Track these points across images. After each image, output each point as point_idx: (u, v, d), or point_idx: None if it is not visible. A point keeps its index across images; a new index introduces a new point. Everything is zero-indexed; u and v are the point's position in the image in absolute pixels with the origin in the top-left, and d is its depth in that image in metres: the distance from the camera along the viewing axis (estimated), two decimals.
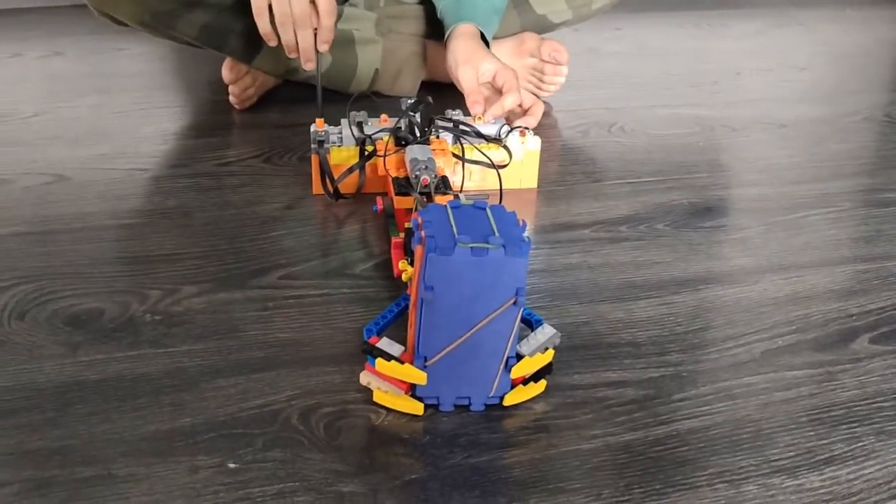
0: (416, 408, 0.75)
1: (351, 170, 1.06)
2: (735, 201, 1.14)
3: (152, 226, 1.03)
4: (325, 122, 1.09)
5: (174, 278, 0.92)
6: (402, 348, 0.76)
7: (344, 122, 1.11)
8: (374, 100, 1.31)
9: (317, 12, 1.08)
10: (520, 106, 1.16)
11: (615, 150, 1.26)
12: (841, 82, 1.59)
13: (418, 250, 0.72)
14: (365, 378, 0.76)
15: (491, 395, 0.76)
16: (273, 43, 1.10)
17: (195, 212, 1.06)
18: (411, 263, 0.83)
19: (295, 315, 0.87)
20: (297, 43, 1.10)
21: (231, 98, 1.32)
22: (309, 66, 1.11)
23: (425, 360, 0.74)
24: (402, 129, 1.08)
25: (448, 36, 1.23)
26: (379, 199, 1.03)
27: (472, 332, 0.72)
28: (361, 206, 1.08)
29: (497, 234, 0.71)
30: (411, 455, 0.71)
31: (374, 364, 0.75)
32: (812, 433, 0.75)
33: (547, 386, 0.78)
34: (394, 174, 1.04)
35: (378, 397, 0.76)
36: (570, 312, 0.89)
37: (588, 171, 1.20)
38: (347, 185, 1.08)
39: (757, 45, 1.76)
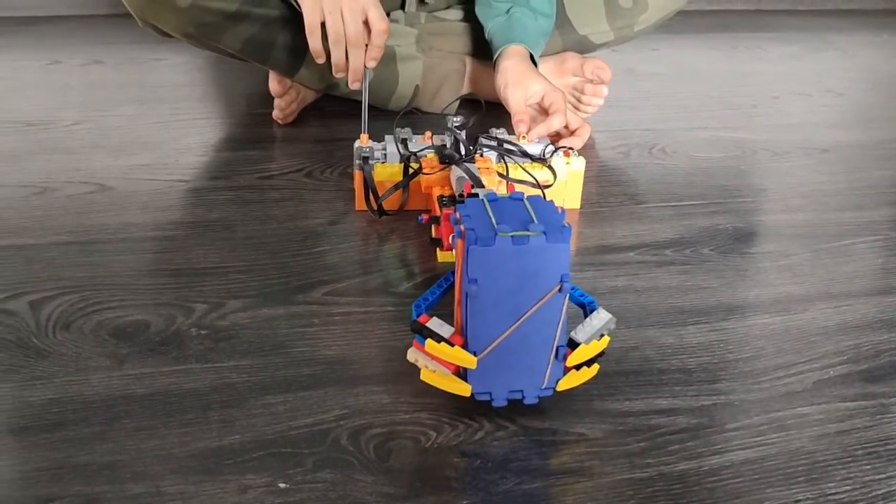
0: (464, 389, 0.74)
1: (396, 187, 1.05)
2: (780, 227, 1.12)
3: (195, 238, 1.02)
4: (369, 138, 1.09)
5: (219, 292, 0.92)
6: (452, 329, 0.74)
7: (388, 138, 1.11)
8: (419, 113, 1.31)
9: (369, 31, 1.08)
10: (566, 127, 1.16)
11: (657, 172, 1.25)
12: (880, 108, 1.58)
13: (459, 244, 0.72)
14: (412, 355, 0.75)
15: (543, 386, 0.76)
16: (321, 60, 1.10)
17: (237, 225, 1.06)
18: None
19: (340, 332, 0.87)
20: (346, 61, 1.09)
21: (275, 112, 1.32)
22: (356, 85, 1.10)
23: (474, 354, 0.73)
24: (448, 146, 1.08)
25: (498, 56, 1.22)
26: (426, 216, 1.02)
27: (518, 322, 0.71)
28: (404, 224, 1.07)
29: (536, 221, 0.71)
30: (462, 479, 0.70)
31: (422, 343, 0.73)
32: (868, 467, 0.73)
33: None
34: (438, 192, 1.04)
35: (426, 376, 0.74)
36: (617, 336, 0.88)
37: (630, 192, 1.19)
38: (391, 202, 1.07)
39: (794, 70, 1.75)
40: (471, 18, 1.38)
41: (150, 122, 1.34)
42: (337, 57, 1.08)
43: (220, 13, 1.18)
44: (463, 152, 1.06)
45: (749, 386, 0.82)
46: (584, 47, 1.39)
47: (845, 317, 0.94)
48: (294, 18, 1.23)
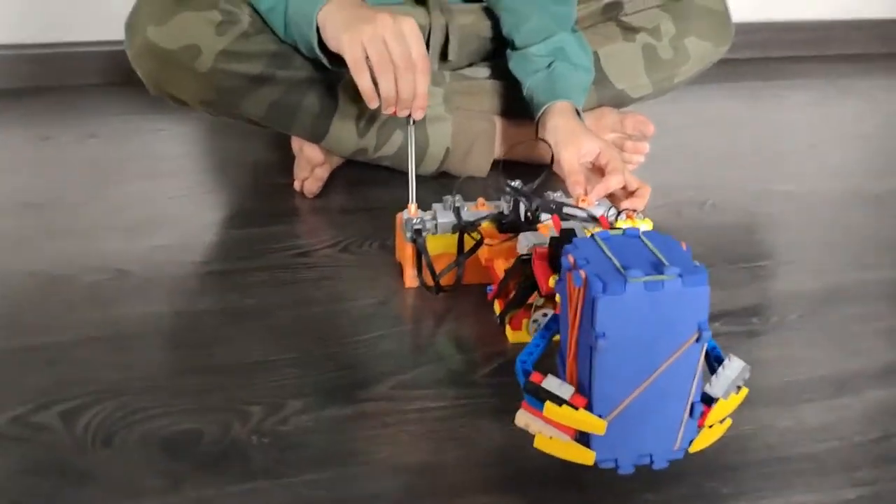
0: (587, 457, 0.66)
1: (458, 262, 0.95)
2: (861, 286, 1.04)
3: (233, 327, 0.91)
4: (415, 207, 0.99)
5: (273, 391, 0.81)
6: (572, 389, 0.65)
7: (436, 206, 1.01)
8: (477, 180, 1.21)
9: None
10: (623, 188, 1.07)
11: (716, 231, 1.16)
12: None
13: (575, 292, 0.63)
14: (522, 419, 0.65)
15: (676, 447, 0.67)
16: (375, 103, 0.99)
17: (277, 310, 0.95)
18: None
19: (421, 433, 0.76)
20: (396, 93, 0.99)
21: (308, 183, 1.21)
22: (418, 114, 1.00)
23: (601, 417, 0.64)
24: (506, 213, 0.98)
25: (543, 113, 1.14)
26: (494, 289, 0.93)
27: (652, 378, 0.63)
28: (463, 300, 0.97)
29: (667, 262, 0.63)
30: None
31: (536, 406, 0.64)
32: None
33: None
34: (503, 265, 0.94)
35: (541, 444, 0.65)
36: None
37: (696, 254, 1.10)
38: (446, 278, 0.97)
39: (820, 116, 1.69)
40: (498, 76, 1.30)
41: (163, 198, 1.23)
42: (386, 87, 0.97)
43: (243, 77, 1.09)
44: (526, 217, 0.97)
45: (890, 473, 0.73)
46: (621, 101, 1.32)
47: None
48: (321, 78, 1.14)
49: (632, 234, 0.69)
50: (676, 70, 1.29)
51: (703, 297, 0.62)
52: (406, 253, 0.99)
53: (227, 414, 0.77)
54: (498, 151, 1.30)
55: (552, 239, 0.81)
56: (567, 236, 0.78)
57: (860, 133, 1.61)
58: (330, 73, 1.14)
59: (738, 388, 0.68)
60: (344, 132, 1.18)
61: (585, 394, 0.65)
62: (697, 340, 0.63)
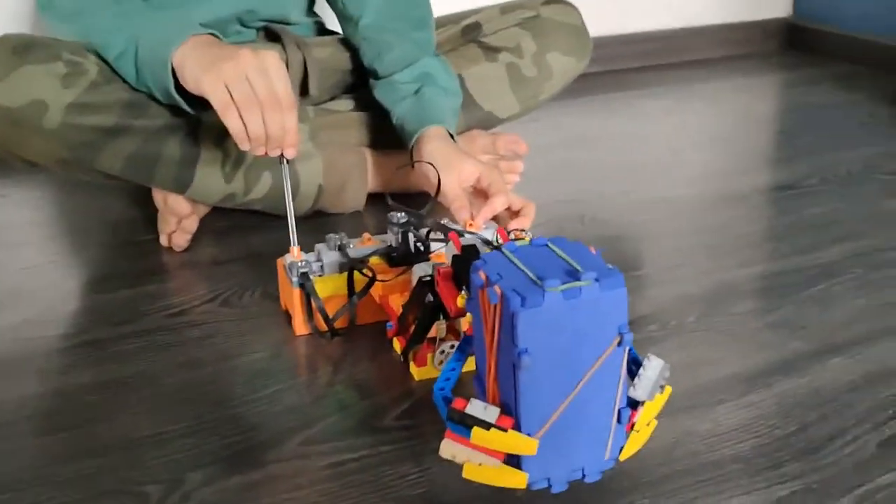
0: (520, 480, 0.63)
1: (351, 303, 0.91)
2: (747, 281, 1.06)
3: (115, 401, 0.84)
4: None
5: (169, 466, 0.74)
6: (497, 410, 0.62)
7: (319, 247, 0.97)
8: (373, 217, 1.17)
9: None
10: (507, 208, 1.05)
11: (599, 243, 1.16)
12: (775, 148, 1.58)
13: (490, 310, 0.61)
14: (448, 450, 0.62)
15: (606, 457, 0.66)
16: (247, 145, 0.94)
17: (161, 377, 0.88)
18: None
19: (339, 490, 0.71)
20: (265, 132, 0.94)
21: (176, 237, 1.13)
22: (290, 151, 0.95)
23: (529, 436, 0.62)
24: (394, 246, 0.95)
25: (417, 140, 1.11)
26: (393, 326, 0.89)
27: (578, 387, 0.62)
28: (359, 342, 0.93)
29: (580, 268, 0.61)
30: None
31: (460, 433, 0.62)
32: None
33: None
34: (398, 300, 0.90)
35: (471, 473, 0.62)
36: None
37: None
38: (339, 320, 0.93)
39: (673, 122, 1.73)
40: (363, 107, 1.27)
41: (16, 269, 1.13)
42: (255, 127, 0.92)
43: (96, 130, 1.01)
44: (416, 248, 0.94)
45: (815, 464, 0.73)
46: (489, 123, 1.31)
47: (866, 366, 0.87)
48: (181, 124, 1.07)
49: (539, 244, 0.67)
50: (541, 87, 1.29)
51: (621, 299, 0.61)
52: (294, 299, 0.93)
53: (123, 498, 0.70)
54: (372, 184, 1.26)
55: (455, 257, 0.77)
56: (470, 253, 0.75)
57: (715, 135, 1.65)
58: (189, 118, 1.08)
59: (662, 387, 0.67)
60: (210, 179, 1.11)
61: (511, 413, 0.62)
62: (619, 344, 0.62)
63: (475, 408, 0.62)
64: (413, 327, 0.85)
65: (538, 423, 0.62)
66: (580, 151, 1.55)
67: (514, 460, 0.63)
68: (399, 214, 0.95)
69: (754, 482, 0.71)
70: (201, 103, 0.99)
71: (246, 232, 1.21)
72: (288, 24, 1.29)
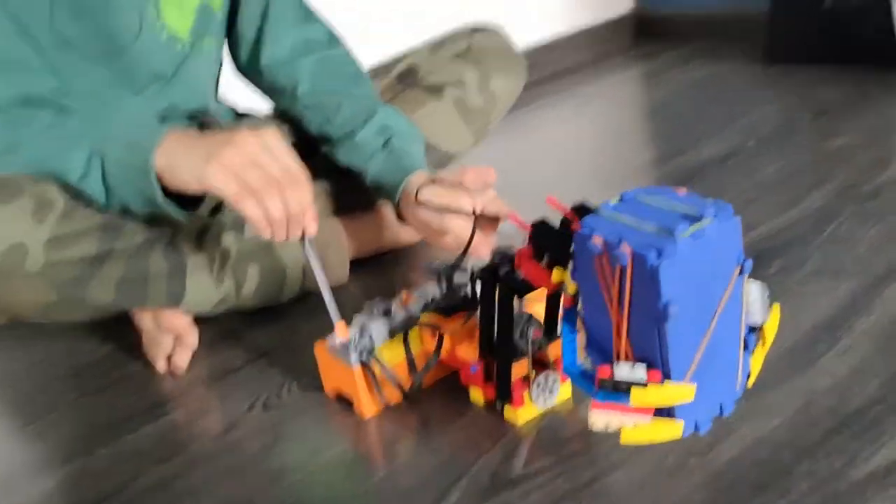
0: (676, 429, 0.64)
1: (434, 359, 0.86)
2: (763, 241, 1.08)
3: None
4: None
5: None
6: (643, 366, 0.63)
7: (357, 318, 0.91)
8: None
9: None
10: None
11: None
12: (691, 127, 1.63)
13: (616, 272, 0.61)
14: (600, 421, 0.63)
15: (737, 387, 0.67)
16: (268, 231, 0.87)
17: (257, 499, 0.80)
18: (555, 265, 0.71)
19: None
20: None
21: (177, 357, 1.04)
22: (312, 227, 0.90)
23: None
24: (440, 295, 0.91)
25: (403, 192, 1.07)
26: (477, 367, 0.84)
27: (713, 324, 0.62)
28: (431, 406, 0.88)
29: (695, 209, 0.62)
30: None
31: (609, 399, 0.63)
32: None
33: None
34: (467, 350, 0.86)
35: (629, 437, 0.64)
36: None
37: None
38: (395, 393, 0.88)
39: (581, 128, 1.76)
40: (324, 176, 1.22)
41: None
42: (275, 210, 0.86)
43: (81, 262, 0.92)
44: (469, 295, 0.90)
45: None
46: (445, 162, 1.29)
47: None
48: (160, 236, 0.99)
49: (629, 198, 0.67)
50: (490, 116, 1.28)
51: (737, 229, 0.63)
52: (356, 379, 0.87)
53: None
54: (350, 252, 1.21)
55: (532, 233, 0.74)
56: (546, 226, 0.73)
57: (625, 130, 1.70)
58: (165, 227, 1.00)
59: (769, 305, 0.68)
60: (202, 285, 1.03)
61: (657, 366, 0.62)
62: (741, 273, 0.63)
63: (623, 371, 0.62)
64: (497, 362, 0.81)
65: (684, 369, 0.62)
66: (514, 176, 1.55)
67: (664, 412, 0.64)
68: (435, 265, 0.91)
69: None
70: (189, 205, 0.92)
71: (242, 333, 1.12)
72: (207, 113, 1.23)
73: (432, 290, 0.92)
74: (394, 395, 0.88)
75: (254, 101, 1.31)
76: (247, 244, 1.07)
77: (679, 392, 0.62)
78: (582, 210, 0.70)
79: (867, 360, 0.80)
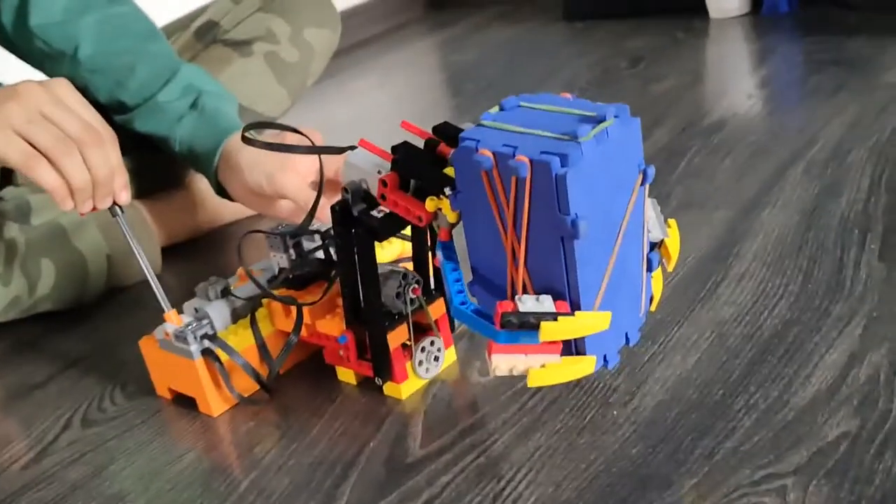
0: (588, 365, 0.56)
1: (292, 340, 0.72)
2: None
3: None
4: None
5: None
6: (548, 297, 0.54)
7: (192, 304, 0.76)
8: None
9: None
10: None
11: None
12: (517, 83, 1.57)
13: (508, 188, 0.53)
14: (504, 364, 0.54)
15: (641, 314, 0.60)
16: (69, 202, 0.70)
17: None
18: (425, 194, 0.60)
19: None
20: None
21: None
22: (124, 196, 0.74)
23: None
24: (294, 264, 0.76)
25: (221, 156, 0.91)
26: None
27: (619, 240, 0.55)
28: (294, 392, 0.74)
29: (592, 111, 0.55)
30: None
31: (514, 341, 0.53)
32: None
33: None
34: (331, 323, 0.72)
35: (537, 379, 0.55)
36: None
37: None
38: (250, 383, 0.74)
39: (403, 95, 1.66)
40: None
41: None
42: (79, 174, 0.70)
43: None
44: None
45: None
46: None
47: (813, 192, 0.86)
48: None
49: (511, 105, 0.58)
50: (307, 70, 1.14)
51: (637, 131, 0.56)
52: (198, 373, 0.72)
53: None
54: (160, 237, 1.04)
55: (395, 158, 0.62)
56: (410, 149, 0.62)
57: (418, 108, 1.61)
58: None
59: (665, 220, 0.62)
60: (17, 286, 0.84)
61: (563, 296, 0.54)
62: (643, 182, 0.56)
63: (528, 304, 0.53)
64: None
65: (593, 295, 0.54)
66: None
67: (570, 348, 0.56)
68: (280, 227, 0.77)
69: None
70: None
71: (42, 343, 0.94)
72: None
73: (278, 260, 0.78)
74: (244, 387, 0.74)
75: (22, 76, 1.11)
76: (36, 233, 0.89)
77: (594, 321, 0.54)
78: (445, 131, 0.60)
79: (766, 282, 0.75)
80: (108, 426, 0.76)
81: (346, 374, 0.74)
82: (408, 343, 0.70)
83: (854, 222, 0.81)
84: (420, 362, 0.71)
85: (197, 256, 1.07)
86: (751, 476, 0.54)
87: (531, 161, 0.51)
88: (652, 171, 0.56)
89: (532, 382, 0.55)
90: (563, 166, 0.50)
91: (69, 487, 0.69)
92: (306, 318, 0.73)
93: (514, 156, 0.52)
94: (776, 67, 1.33)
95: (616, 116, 0.54)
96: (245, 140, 0.69)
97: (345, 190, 0.66)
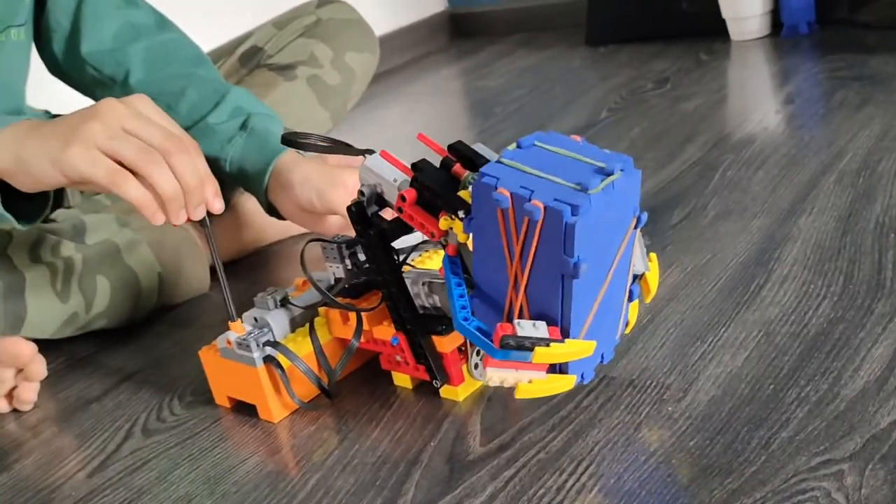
0: (568, 382, 0.64)
1: (353, 345, 0.74)
2: (669, 187, 1.04)
3: None
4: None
5: None
6: (543, 324, 0.59)
7: (251, 314, 0.78)
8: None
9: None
10: None
11: None
12: (551, 106, 1.60)
13: (523, 225, 0.57)
14: (496, 377, 0.61)
15: (617, 337, 0.67)
16: (160, 215, 0.72)
17: None
18: (439, 214, 0.64)
19: None
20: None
21: (22, 391, 0.86)
22: (217, 203, 0.74)
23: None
24: (342, 274, 0.79)
25: (272, 175, 0.94)
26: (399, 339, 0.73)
27: (609, 278, 0.61)
28: (352, 399, 0.76)
29: (597, 162, 0.60)
30: None
31: (506, 357, 0.60)
32: None
33: None
34: (387, 329, 0.75)
35: (524, 392, 0.62)
36: None
37: None
38: (308, 390, 0.76)
39: (423, 125, 1.70)
40: None
41: None
42: (169, 183, 0.71)
43: None
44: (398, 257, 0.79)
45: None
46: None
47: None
48: None
49: (527, 144, 0.63)
50: (348, 92, 1.18)
51: (638, 182, 0.61)
52: (259, 380, 0.75)
53: None
54: (206, 255, 1.07)
55: (415, 175, 0.66)
56: (429, 169, 0.66)
57: (450, 134, 1.64)
58: None
59: (647, 252, 0.68)
60: (44, 303, 0.87)
61: (556, 322, 0.60)
62: (636, 226, 0.62)
63: (526, 328, 0.59)
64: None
65: (581, 324, 0.61)
66: None
67: (556, 367, 0.63)
68: (336, 238, 0.80)
69: None
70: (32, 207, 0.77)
71: (95, 358, 0.96)
72: (22, 114, 1.06)
73: (334, 270, 0.81)
74: (302, 393, 0.76)
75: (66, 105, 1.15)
76: (92, 252, 0.92)
77: (581, 349, 0.61)
78: (460, 150, 0.66)
79: (809, 283, 0.77)
80: (169, 434, 0.79)
81: (402, 379, 0.76)
82: (463, 346, 0.73)
83: (890, 227, 0.83)
84: (476, 365, 0.73)
85: (243, 275, 1.09)
86: (808, 462, 0.56)
87: (545, 207, 0.56)
88: (644, 216, 0.62)
89: (519, 395, 0.62)
90: (573, 215, 0.56)
91: (136, 492, 0.71)
92: (363, 325, 0.75)
93: (529, 199, 0.57)
94: (800, 85, 1.36)
95: (622, 170, 0.59)
96: (285, 141, 0.71)
97: (360, 192, 0.69)
